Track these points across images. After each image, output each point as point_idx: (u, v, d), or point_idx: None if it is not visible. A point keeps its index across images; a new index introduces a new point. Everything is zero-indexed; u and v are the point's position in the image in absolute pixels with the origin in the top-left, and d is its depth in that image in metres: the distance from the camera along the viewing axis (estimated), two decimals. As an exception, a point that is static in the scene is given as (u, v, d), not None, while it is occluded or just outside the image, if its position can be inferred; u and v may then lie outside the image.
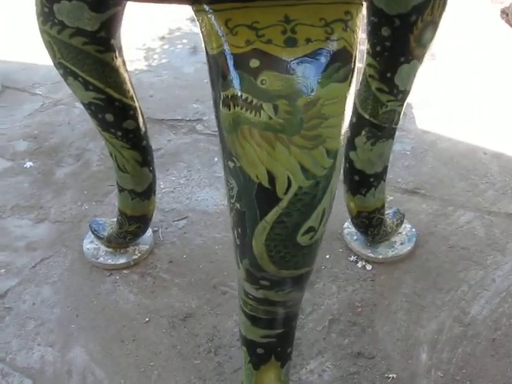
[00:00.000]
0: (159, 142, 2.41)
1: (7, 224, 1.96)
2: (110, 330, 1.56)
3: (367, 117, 1.40)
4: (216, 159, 2.30)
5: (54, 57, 1.31)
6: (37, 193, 2.10)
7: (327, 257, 1.77)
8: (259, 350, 1.07)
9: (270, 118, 0.70)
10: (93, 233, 1.78)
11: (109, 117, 1.37)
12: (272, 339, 1.04)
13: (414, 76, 1.35)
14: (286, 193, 0.73)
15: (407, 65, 1.30)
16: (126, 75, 1.36)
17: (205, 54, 0.77)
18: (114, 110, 1.36)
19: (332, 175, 0.75)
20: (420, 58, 1.31)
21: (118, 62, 1.32)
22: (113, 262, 1.75)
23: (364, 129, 1.43)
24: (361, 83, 1.40)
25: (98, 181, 2.16)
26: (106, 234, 1.75)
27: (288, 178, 0.72)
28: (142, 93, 2.75)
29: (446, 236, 1.82)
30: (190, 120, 2.60)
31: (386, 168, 1.54)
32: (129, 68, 1.40)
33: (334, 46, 0.69)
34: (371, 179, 1.52)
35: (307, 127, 0.70)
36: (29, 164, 2.25)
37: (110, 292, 1.67)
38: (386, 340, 1.49)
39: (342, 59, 0.70)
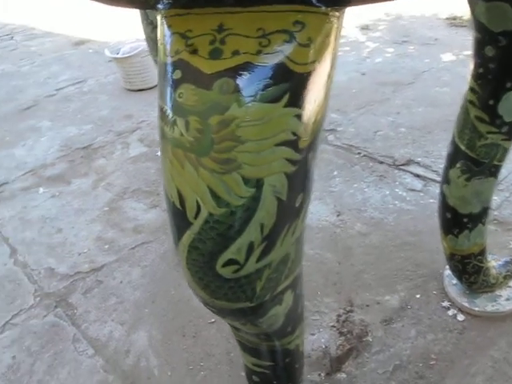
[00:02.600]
0: (287, 147, 2.40)
1: (124, 204, 2.12)
2: (176, 322, 1.59)
3: (463, 148, 1.23)
4: (336, 173, 2.21)
5: (151, 53, 1.37)
6: (158, 180, 2.23)
7: (417, 296, 1.59)
8: (255, 378, 1.01)
9: (182, 135, 0.63)
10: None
11: None
12: (265, 370, 0.96)
13: (528, 107, 1.15)
14: (196, 217, 0.66)
15: (516, 93, 1.11)
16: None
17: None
18: None
19: (256, 207, 0.64)
20: (536, 87, 1.11)
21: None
22: (199, 257, 1.78)
23: (459, 161, 1.25)
24: (461, 109, 1.23)
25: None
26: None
27: (197, 201, 0.64)
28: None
29: None
30: (323, 129, 2.53)
31: (485, 210, 1.33)
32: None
33: (267, 60, 0.59)
34: (465, 220, 1.33)
35: (218, 149, 0.61)
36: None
37: (189, 286, 1.71)
38: (452, 404, 1.30)
39: (276, 76, 0.59)
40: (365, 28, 3.80)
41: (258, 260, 0.67)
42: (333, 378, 1.39)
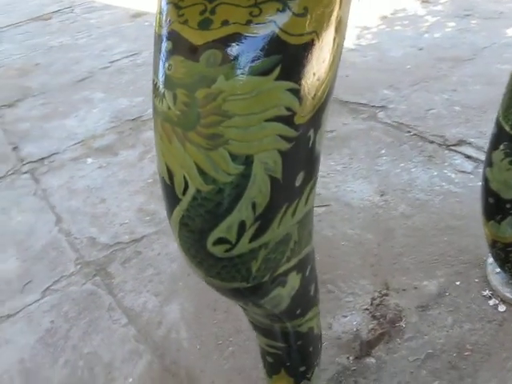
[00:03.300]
0: (335, 123, 2.34)
1: (167, 177, 2.13)
2: (208, 296, 1.60)
3: (507, 129, 1.16)
4: (383, 151, 2.14)
5: None
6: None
7: (457, 283, 1.53)
8: (269, 358, 0.99)
9: (169, 108, 0.61)
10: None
11: None
12: (278, 351, 0.95)
13: None
14: (184, 194, 0.64)
15: None
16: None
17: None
18: None
19: (246, 185, 0.61)
20: None
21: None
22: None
23: (502, 143, 1.18)
24: (507, 87, 1.15)
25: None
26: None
27: (184, 177, 0.63)
28: (339, 71, 2.64)
29: None
30: (373, 106, 2.46)
31: (531, 196, 1.25)
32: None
33: (257, 30, 0.55)
34: (508, 205, 1.25)
35: (204, 123, 0.59)
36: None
37: (225, 261, 1.71)
38: (485, 398, 1.25)
39: (267, 47, 0.56)
40: (425, 1, 3.62)
41: (252, 240, 0.65)
42: (361, 362, 1.36)
